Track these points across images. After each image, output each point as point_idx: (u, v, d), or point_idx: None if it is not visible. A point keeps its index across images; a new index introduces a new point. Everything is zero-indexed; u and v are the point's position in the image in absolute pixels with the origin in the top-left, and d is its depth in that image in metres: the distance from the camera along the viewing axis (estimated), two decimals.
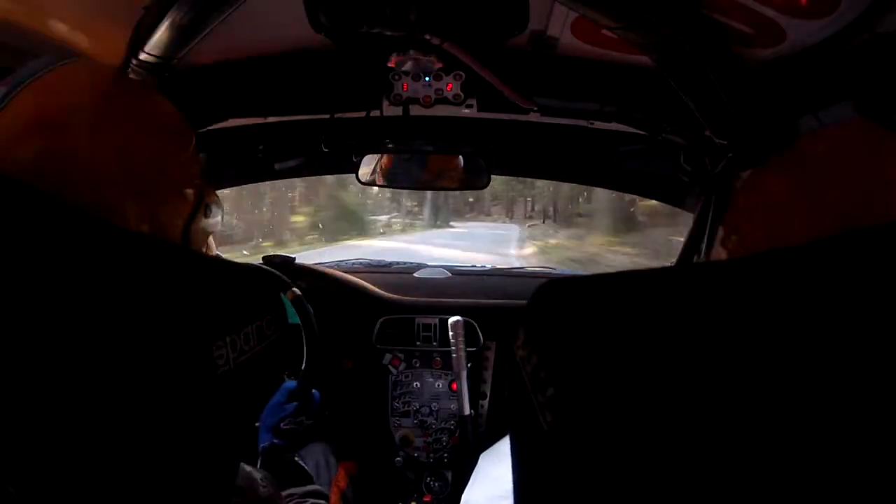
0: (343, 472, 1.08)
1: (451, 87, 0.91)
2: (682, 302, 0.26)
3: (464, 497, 0.59)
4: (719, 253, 0.43)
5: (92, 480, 0.30)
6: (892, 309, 0.23)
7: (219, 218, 0.49)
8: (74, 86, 0.40)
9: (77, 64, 0.41)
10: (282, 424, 0.86)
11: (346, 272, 1.32)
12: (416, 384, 1.23)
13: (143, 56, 0.70)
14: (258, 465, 0.79)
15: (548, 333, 0.29)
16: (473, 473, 0.62)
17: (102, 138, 0.39)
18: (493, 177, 1.16)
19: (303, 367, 0.97)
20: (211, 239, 0.50)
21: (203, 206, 0.46)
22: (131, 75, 0.73)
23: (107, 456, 0.31)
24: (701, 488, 0.22)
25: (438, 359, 1.22)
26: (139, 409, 0.32)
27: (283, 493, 0.70)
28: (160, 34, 0.68)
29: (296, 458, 0.83)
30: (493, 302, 1.26)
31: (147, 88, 0.45)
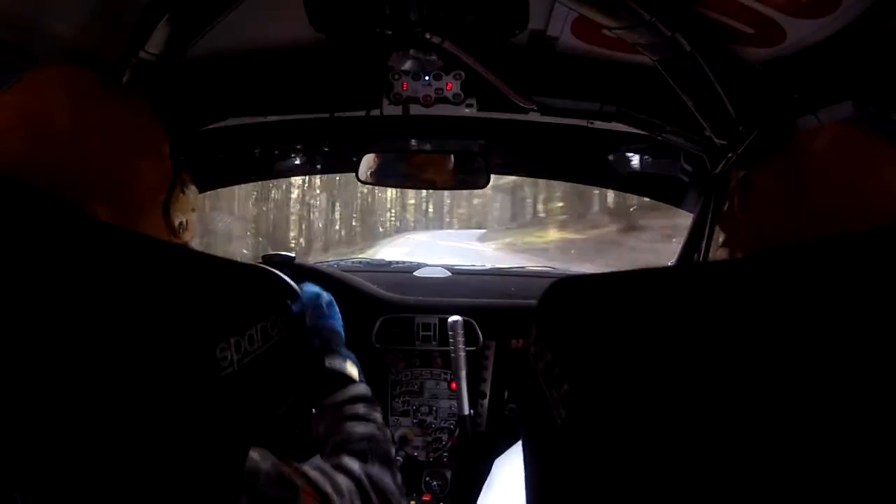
0: None
1: (451, 86, 0.91)
2: (688, 301, 0.27)
3: (479, 501, 0.60)
4: (718, 252, 0.43)
5: (95, 484, 0.30)
6: (887, 310, 0.23)
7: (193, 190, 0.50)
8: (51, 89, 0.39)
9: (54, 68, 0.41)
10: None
11: (345, 271, 1.32)
12: (416, 384, 1.23)
13: (142, 55, 0.70)
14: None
15: (562, 330, 0.29)
16: (488, 479, 0.63)
17: (73, 140, 0.38)
18: None
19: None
20: (192, 216, 0.50)
21: (179, 182, 0.47)
22: (131, 74, 0.73)
23: (109, 460, 0.31)
24: (711, 482, 0.22)
25: (438, 358, 1.22)
26: (141, 412, 0.32)
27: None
28: (159, 33, 0.68)
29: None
30: (492, 302, 1.26)
31: (119, 89, 0.45)
